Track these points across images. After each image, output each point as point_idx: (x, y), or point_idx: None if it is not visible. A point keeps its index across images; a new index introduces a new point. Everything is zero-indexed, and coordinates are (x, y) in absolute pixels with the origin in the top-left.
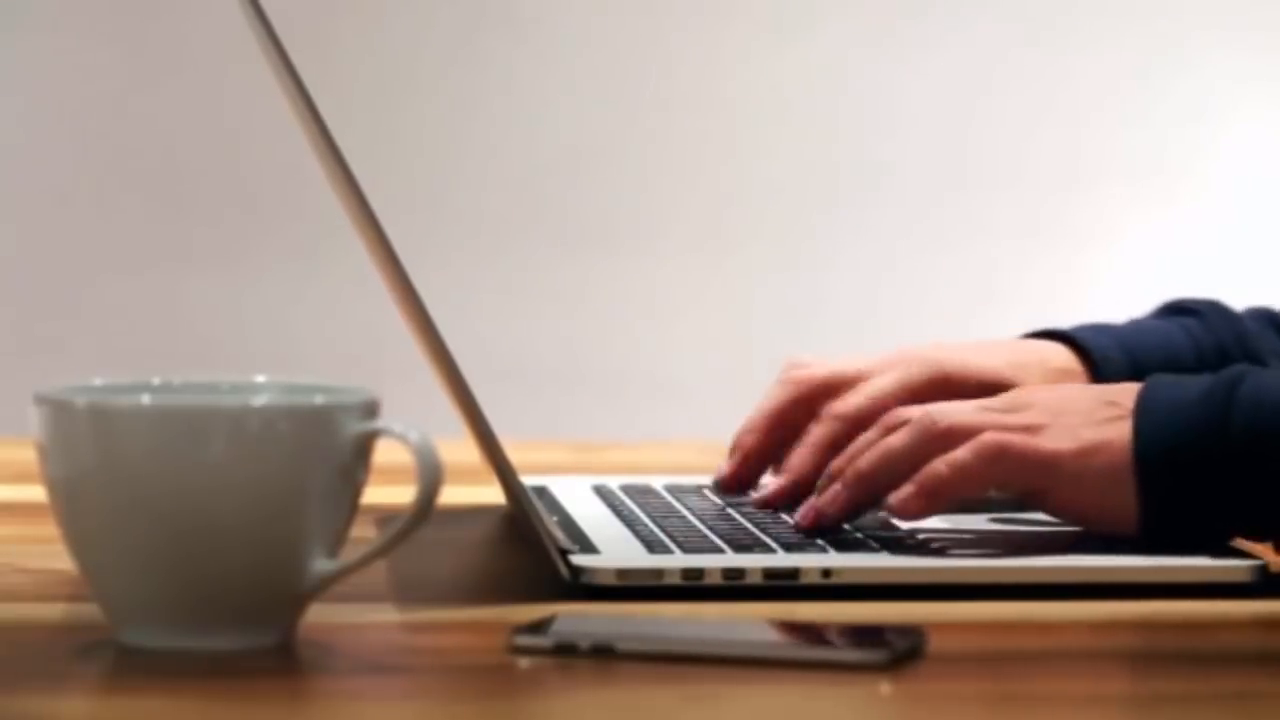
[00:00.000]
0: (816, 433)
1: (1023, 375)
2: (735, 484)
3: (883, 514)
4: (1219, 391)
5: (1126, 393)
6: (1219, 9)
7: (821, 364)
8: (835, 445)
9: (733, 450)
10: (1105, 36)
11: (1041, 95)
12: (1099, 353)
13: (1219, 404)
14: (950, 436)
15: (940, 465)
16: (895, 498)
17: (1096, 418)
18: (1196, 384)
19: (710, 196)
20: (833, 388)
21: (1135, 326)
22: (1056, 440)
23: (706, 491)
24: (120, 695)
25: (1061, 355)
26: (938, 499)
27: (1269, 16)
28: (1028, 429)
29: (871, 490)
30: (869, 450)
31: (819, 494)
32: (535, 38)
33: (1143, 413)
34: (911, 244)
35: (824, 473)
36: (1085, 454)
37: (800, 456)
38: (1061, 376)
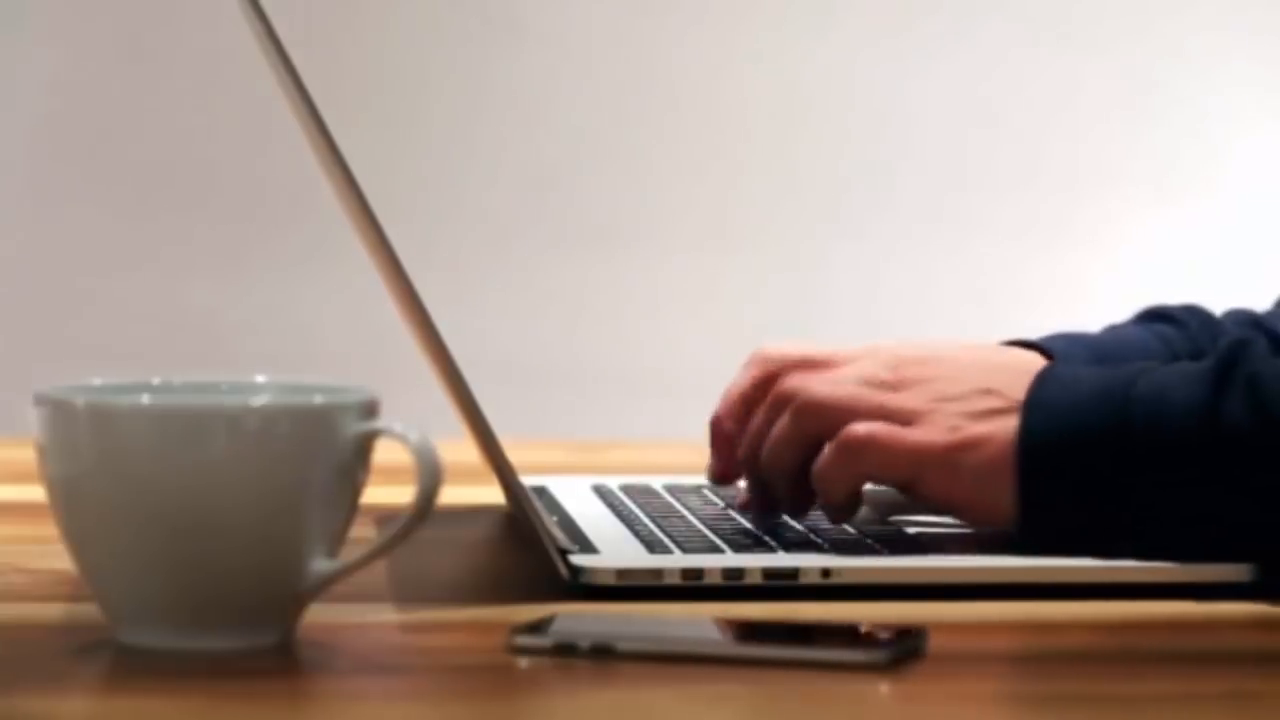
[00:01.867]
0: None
1: (1007, 375)
2: (727, 475)
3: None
4: (1115, 391)
5: (1013, 381)
6: (1224, 14)
7: (791, 345)
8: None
9: (713, 440)
10: (1112, 41)
11: (1048, 99)
12: (1070, 363)
13: (1114, 406)
14: (825, 414)
15: (814, 470)
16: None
17: (976, 408)
18: (1088, 380)
19: (711, 196)
20: (801, 369)
21: (1111, 335)
22: (928, 431)
23: (706, 491)
24: (120, 695)
25: (1035, 362)
26: (828, 500)
27: (1275, 22)
28: (902, 416)
29: (776, 480)
30: (763, 444)
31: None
32: (537, 37)
33: (1030, 407)
34: (915, 246)
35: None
36: (959, 448)
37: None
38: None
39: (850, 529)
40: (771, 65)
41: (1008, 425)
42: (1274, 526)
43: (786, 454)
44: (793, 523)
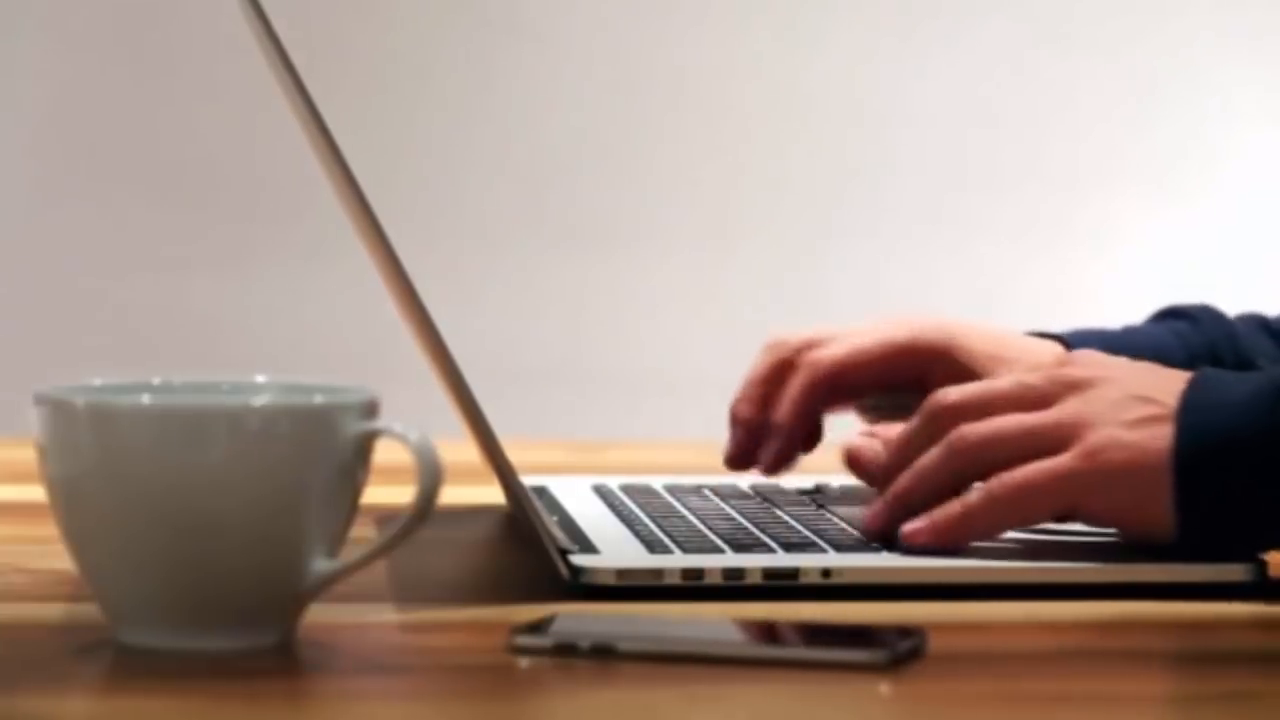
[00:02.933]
0: (794, 384)
1: (1000, 368)
2: (742, 459)
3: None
4: (1266, 395)
5: (1168, 387)
6: (1225, 15)
7: (801, 329)
8: (811, 393)
9: (732, 424)
10: (1113, 41)
11: (1050, 99)
12: None
13: (1265, 410)
14: (976, 454)
15: (955, 506)
16: (907, 529)
17: (1131, 416)
18: (1242, 385)
19: (711, 197)
20: (815, 345)
21: (1126, 330)
22: (1080, 454)
23: (707, 491)
24: (120, 695)
25: (1053, 351)
26: (948, 539)
27: (1276, 22)
28: (1054, 432)
29: (911, 507)
30: (905, 471)
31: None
32: (537, 37)
33: (1186, 416)
34: (915, 246)
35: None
36: (1111, 462)
37: (782, 412)
38: None
39: (849, 527)
40: (772, 65)
41: (1162, 433)
42: None
43: (934, 487)
44: (796, 524)
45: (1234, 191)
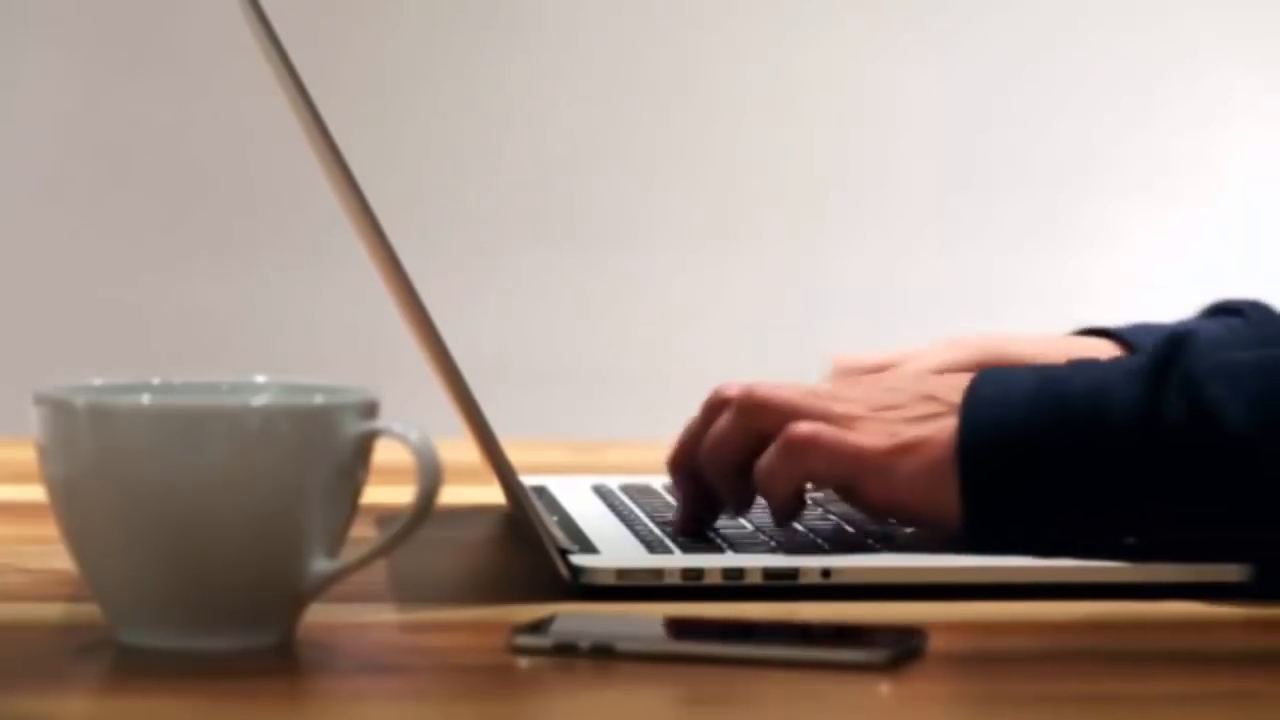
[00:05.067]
0: None
1: (947, 382)
2: None
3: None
4: (1052, 389)
5: (953, 388)
6: (1227, 15)
7: (869, 353)
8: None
9: None
10: (1115, 41)
11: (1051, 98)
12: (1141, 349)
13: (1052, 404)
14: (767, 412)
15: (756, 468)
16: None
17: (916, 413)
18: (1026, 379)
19: (712, 197)
20: (883, 369)
21: (1179, 325)
22: (870, 435)
23: None
24: (120, 695)
25: (1108, 353)
26: (770, 499)
27: (1277, 22)
28: (843, 420)
29: (716, 477)
30: (703, 440)
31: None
32: (536, 37)
33: (967, 408)
34: (918, 246)
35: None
36: (898, 450)
37: None
38: None
39: (850, 528)
40: (772, 66)
41: (946, 426)
42: (1210, 521)
43: (727, 449)
44: (795, 524)
45: (1236, 192)
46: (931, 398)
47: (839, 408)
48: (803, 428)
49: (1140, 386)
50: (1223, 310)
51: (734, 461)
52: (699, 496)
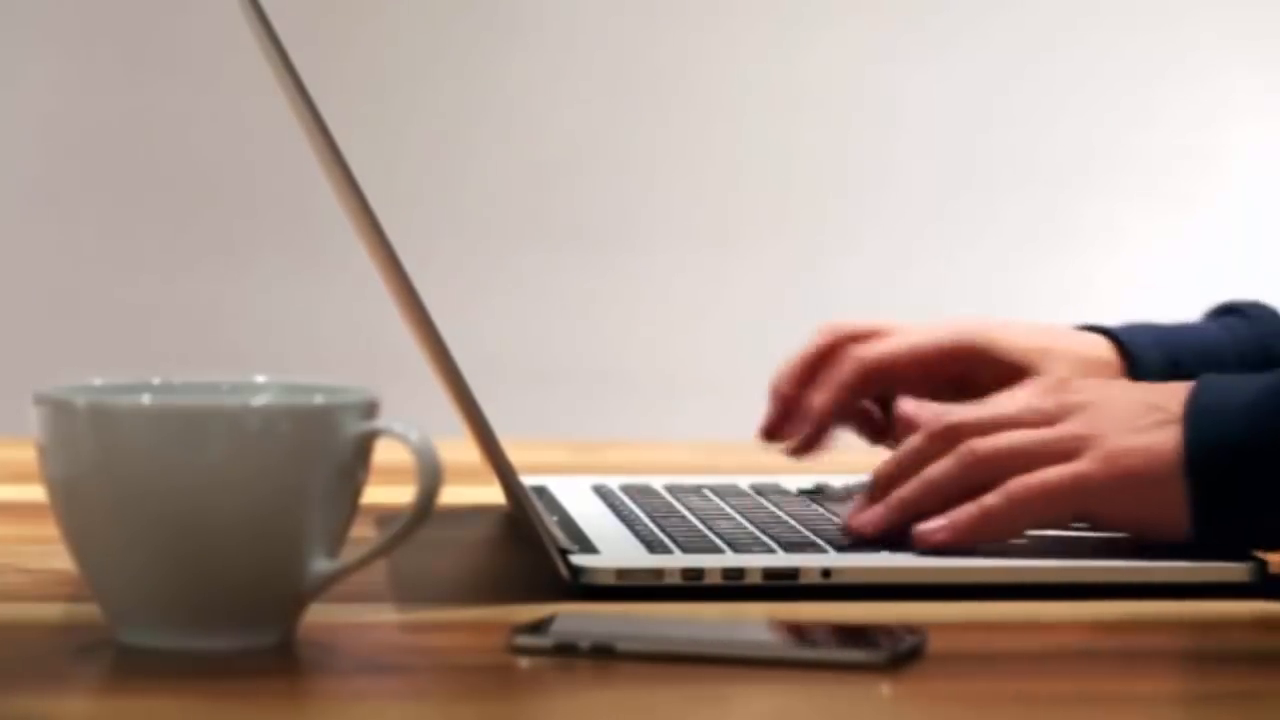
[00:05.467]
0: (834, 374)
1: (1051, 362)
2: (777, 432)
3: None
4: (1272, 394)
5: (1172, 396)
6: (1229, 15)
7: (857, 319)
8: (850, 386)
9: (771, 397)
10: (1117, 41)
11: (1052, 98)
12: (1136, 349)
13: (1272, 409)
14: (990, 465)
15: (973, 507)
16: (923, 527)
17: (1140, 424)
18: (1247, 387)
19: (712, 197)
20: (867, 336)
21: (1177, 326)
22: (1093, 459)
23: (706, 491)
24: (120, 695)
25: (1100, 347)
26: (966, 539)
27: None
28: (1066, 444)
29: (912, 515)
30: (912, 478)
31: (867, 499)
32: (537, 37)
33: (1193, 418)
34: (918, 247)
35: (871, 478)
36: (1126, 466)
37: (818, 400)
38: (1094, 366)
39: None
40: (772, 66)
41: (1171, 435)
42: None
43: (941, 498)
44: (796, 524)
45: (1237, 192)
46: (1155, 406)
47: (1057, 432)
48: (1025, 484)
49: None
50: (1226, 311)
51: (943, 506)
52: (895, 526)
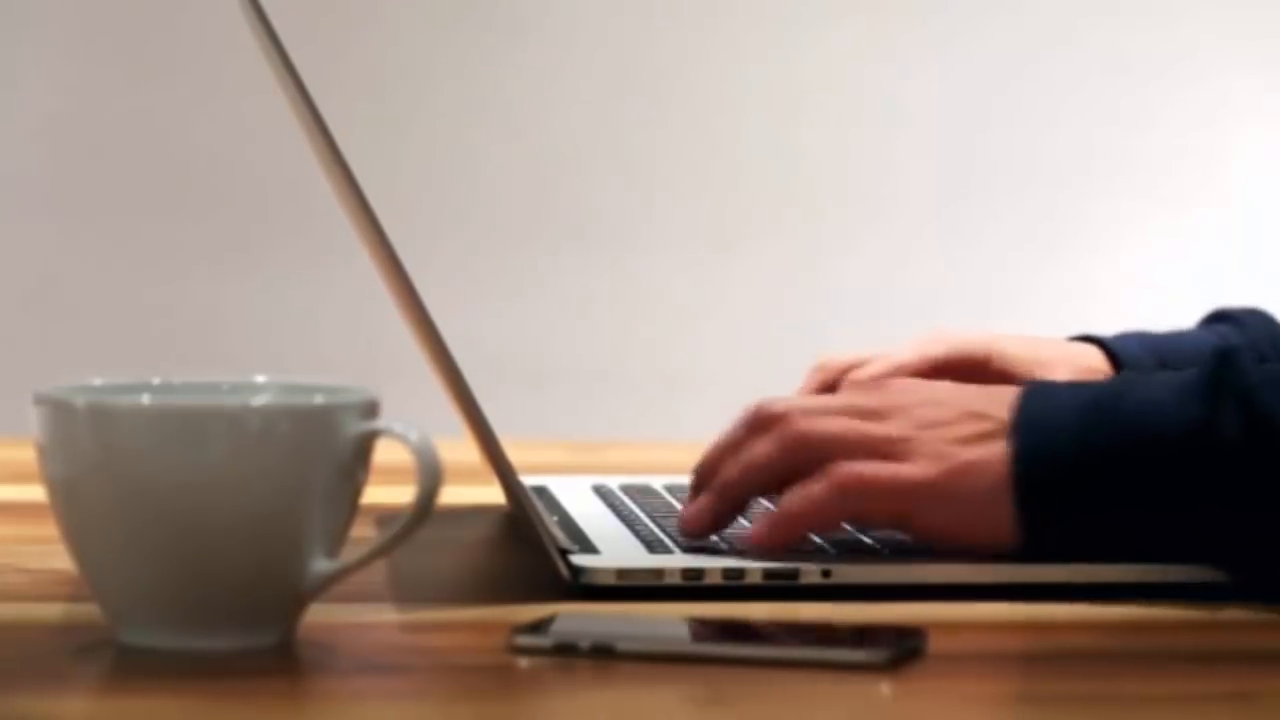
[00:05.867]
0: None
1: (1043, 372)
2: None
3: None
4: (1104, 407)
5: (997, 403)
6: (1229, 16)
7: (848, 352)
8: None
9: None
10: (1117, 42)
11: (1052, 100)
12: (1128, 357)
13: (1105, 422)
14: (809, 446)
15: (794, 499)
16: (751, 531)
17: (965, 433)
18: (1073, 396)
19: (712, 197)
20: (858, 368)
21: (1170, 334)
22: (920, 464)
23: None
24: (120, 695)
25: (1092, 356)
26: (790, 533)
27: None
28: (890, 445)
29: (738, 498)
30: (732, 459)
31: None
32: (537, 37)
33: (1020, 431)
34: (919, 248)
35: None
36: (950, 477)
37: None
38: (1090, 376)
39: (849, 528)
40: (772, 66)
41: (997, 449)
42: (1269, 529)
43: (763, 476)
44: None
45: (1238, 192)
46: (980, 415)
47: (882, 429)
48: (851, 470)
49: (1195, 401)
50: (1219, 318)
51: (765, 488)
52: (724, 513)
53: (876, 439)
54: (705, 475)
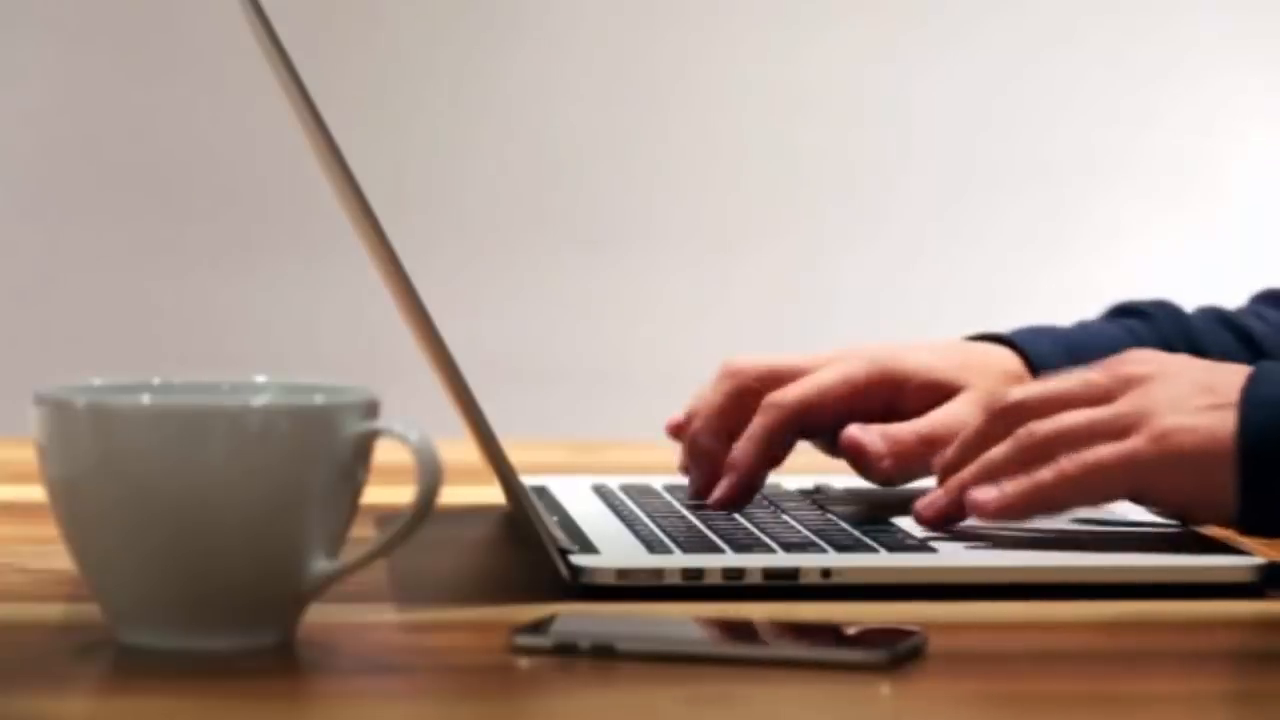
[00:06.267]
0: (758, 424)
1: (969, 377)
2: (707, 493)
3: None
4: None
5: (1228, 380)
6: (1231, 16)
7: (760, 357)
8: (776, 435)
9: (693, 456)
10: (1120, 43)
11: (1055, 100)
12: (1041, 359)
13: None
14: (1047, 446)
15: (1025, 480)
16: (976, 494)
17: (1194, 404)
18: None
19: (712, 198)
20: (772, 380)
21: (1080, 329)
22: (1147, 438)
23: None
24: (120, 695)
25: (1007, 359)
26: (1017, 509)
27: None
28: (1119, 425)
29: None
30: (972, 463)
31: (937, 492)
32: (537, 37)
33: (1248, 404)
34: (920, 248)
35: (935, 466)
36: (1179, 446)
37: (744, 451)
38: (1008, 380)
39: (849, 527)
40: (772, 66)
41: (1225, 420)
42: None
43: (998, 477)
44: (796, 524)
45: (1240, 193)
46: (1209, 389)
47: (1111, 410)
48: (1086, 459)
49: None
50: (1125, 311)
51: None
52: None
53: (1108, 421)
54: (948, 470)
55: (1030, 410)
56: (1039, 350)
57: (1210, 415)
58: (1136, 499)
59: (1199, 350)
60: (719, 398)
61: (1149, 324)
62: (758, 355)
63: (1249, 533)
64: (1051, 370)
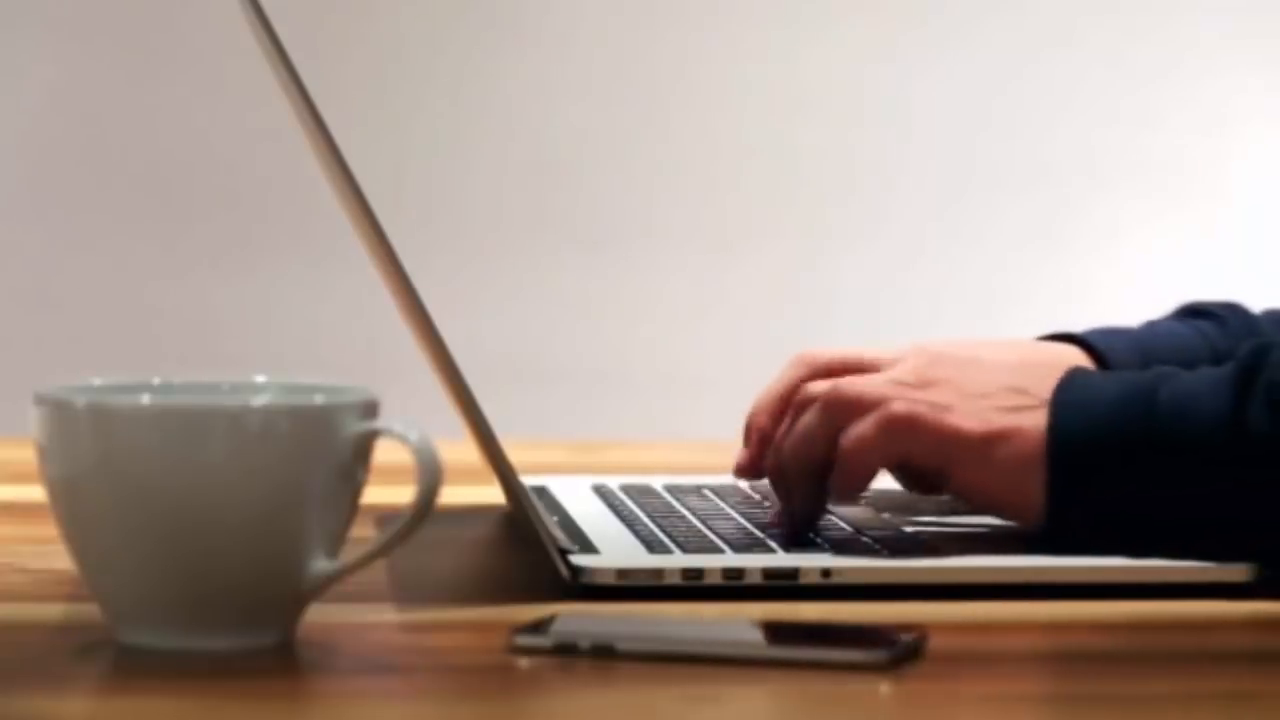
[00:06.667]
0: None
1: (1033, 376)
2: (753, 470)
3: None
4: (1140, 396)
5: (1039, 381)
6: (1232, 16)
7: (833, 349)
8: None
9: (746, 435)
10: (1120, 43)
11: (1055, 100)
12: (1113, 357)
13: (1140, 411)
14: (857, 407)
15: (846, 438)
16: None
17: (1006, 404)
18: (1114, 383)
19: (713, 198)
20: (843, 370)
21: (1150, 330)
22: (964, 419)
23: (706, 491)
24: (120, 695)
25: (1075, 358)
26: (846, 476)
27: None
28: (934, 405)
29: (801, 474)
30: (787, 437)
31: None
32: (537, 37)
33: (1059, 406)
34: (921, 249)
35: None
36: (993, 437)
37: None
38: None
39: (849, 527)
40: (772, 66)
41: (1037, 419)
42: None
43: (811, 448)
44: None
45: (1241, 193)
46: (1022, 390)
47: (929, 396)
48: (900, 407)
49: (1226, 395)
50: (1194, 312)
51: (819, 461)
52: (809, 497)
53: (921, 402)
54: (771, 471)
55: (834, 388)
56: (1113, 350)
57: (1019, 415)
58: (941, 479)
59: None
60: (786, 383)
61: (1220, 327)
62: (831, 347)
63: (1055, 541)
64: (1123, 369)
